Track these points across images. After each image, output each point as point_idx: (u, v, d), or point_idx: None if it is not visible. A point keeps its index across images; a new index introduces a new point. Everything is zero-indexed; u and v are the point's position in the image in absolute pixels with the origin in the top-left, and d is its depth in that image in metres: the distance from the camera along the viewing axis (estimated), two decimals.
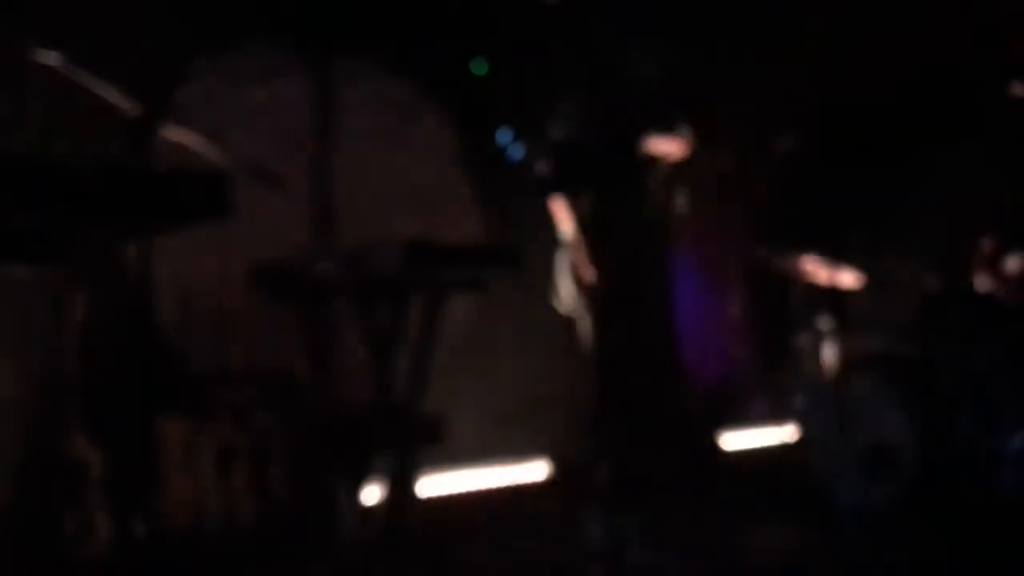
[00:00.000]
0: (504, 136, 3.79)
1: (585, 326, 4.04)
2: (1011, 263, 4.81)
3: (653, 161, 3.76)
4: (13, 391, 4.11)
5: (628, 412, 4.11)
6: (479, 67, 3.07)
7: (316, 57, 5.36)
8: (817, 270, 5.41)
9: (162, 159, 2.59)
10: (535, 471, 5.14)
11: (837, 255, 4.93)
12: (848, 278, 5.16)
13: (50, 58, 2.61)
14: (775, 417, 5.06)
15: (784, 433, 5.03)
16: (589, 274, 3.88)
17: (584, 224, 3.74)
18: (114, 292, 4.60)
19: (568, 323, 4.09)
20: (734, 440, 5.85)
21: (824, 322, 5.43)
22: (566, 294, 4.15)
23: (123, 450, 4.09)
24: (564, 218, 3.91)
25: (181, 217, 2.34)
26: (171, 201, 2.27)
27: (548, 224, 4.51)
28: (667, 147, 3.72)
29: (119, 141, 2.64)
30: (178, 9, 4.87)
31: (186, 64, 4.93)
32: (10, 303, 3.78)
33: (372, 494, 3.35)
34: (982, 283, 4.97)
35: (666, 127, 3.83)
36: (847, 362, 5.05)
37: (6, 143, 3.95)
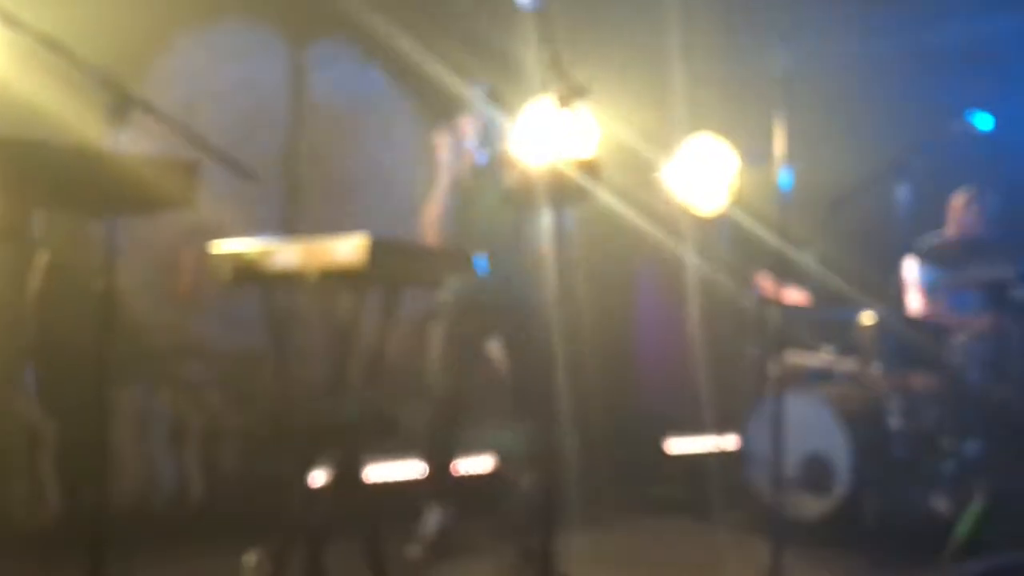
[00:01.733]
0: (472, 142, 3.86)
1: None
2: None
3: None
4: None
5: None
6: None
7: (293, 38, 5.40)
8: (767, 285, 5.55)
9: (135, 144, 2.63)
10: (481, 464, 5.22)
11: (788, 273, 5.06)
12: (797, 295, 5.30)
13: (33, 34, 2.61)
14: (719, 426, 5.19)
15: (726, 442, 5.16)
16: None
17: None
18: (74, 262, 4.63)
19: None
20: (678, 445, 5.99)
21: (771, 336, 5.57)
22: None
23: (75, 420, 4.13)
24: None
25: (149, 203, 2.39)
26: (140, 187, 2.32)
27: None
28: None
29: (94, 123, 2.67)
30: None
31: (166, 37, 4.95)
32: None
33: (319, 477, 3.42)
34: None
35: None
36: (790, 376, 5.18)
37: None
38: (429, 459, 4.23)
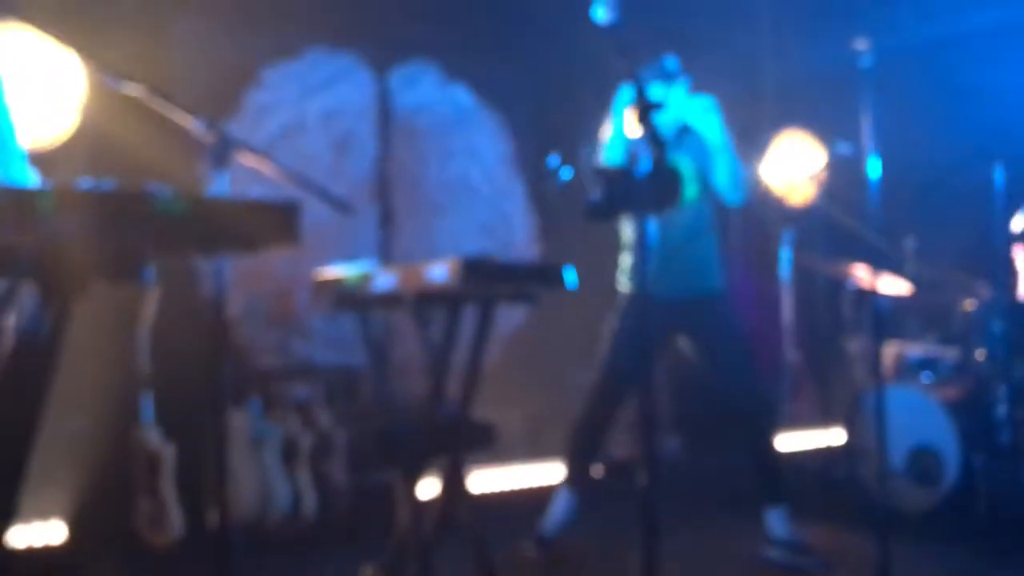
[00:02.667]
0: (553, 159, 3.89)
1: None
2: None
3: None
4: (91, 386, 4.36)
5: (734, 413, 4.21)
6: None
7: (377, 63, 5.54)
8: (866, 276, 5.46)
9: (237, 182, 2.76)
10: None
11: (885, 262, 4.97)
12: (896, 285, 5.20)
13: (134, 88, 2.76)
14: (824, 420, 5.13)
15: (832, 437, 5.10)
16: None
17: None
18: (185, 296, 4.85)
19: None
20: (783, 442, 5.93)
21: (872, 328, 5.48)
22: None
23: (194, 443, 4.33)
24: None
25: (255, 242, 2.50)
26: (247, 228, 2.43)
27: (598, 228, 4.64)
28: None
29: (197, 167, 2.82)
30: (246, 18, 5.08)
31: (253, 72, 5.14)
32: (88, 305, 3.99)
33: (427, 490, 3.51)
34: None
35: None
36: (894, 367, 5.10)
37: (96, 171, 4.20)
38: (570, 453, 4.23)
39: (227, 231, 2.38)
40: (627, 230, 4.11)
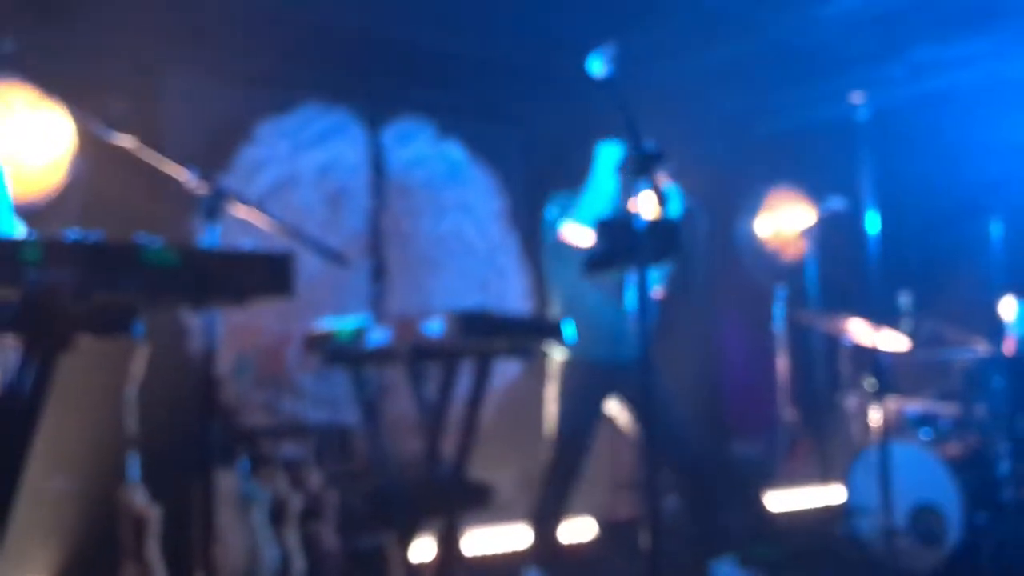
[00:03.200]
0: (551, 211, 3.87)
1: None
2: None
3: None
4: (77, 444, 4.26)
5: (678, 473, 4.14)
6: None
7: (370, 119, 5.54)
8: (863, 331, 5.42)
9: (229, 235, 2.71)
10: (581, 530, 5.17)
11: (883, 317, 4.93)
12: (894, 340, 5.16)
13: (126, 140, 2.74)
14: (822, 478, 5.05)
15: (831, 494, 5.02)
16: None
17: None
18: (174, 352, 4.77)
19: None
20: (780, 500, 5.84)
21: (870, 383, 5.43)
22: None
23: (181, 503, 4.22)
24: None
25: (247, 294, 2.44)
26: (238, 280, 2.38)
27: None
28: None
29: (189, 218, 2.78)
30: (239, 74, 5.08)
31: (247, 127, 5.12)
32: (74, 360, 3.92)
33: (421, 552, 3.42)
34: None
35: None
36: (893, 424, 5.04)
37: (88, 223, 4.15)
38: (535, 522, 4.08)
39: (218, 283, 2.33)
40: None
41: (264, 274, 2.41)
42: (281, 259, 2.41)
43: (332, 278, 5.22)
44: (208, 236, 2.72)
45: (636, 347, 3.85)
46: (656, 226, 2.73)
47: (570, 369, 3.94)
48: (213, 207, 2.72)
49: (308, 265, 5.01)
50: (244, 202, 2.80)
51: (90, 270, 2.16)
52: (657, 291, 3.86)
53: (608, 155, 3.93)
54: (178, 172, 2.78)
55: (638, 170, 2.68)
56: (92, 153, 4.34)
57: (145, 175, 4.28)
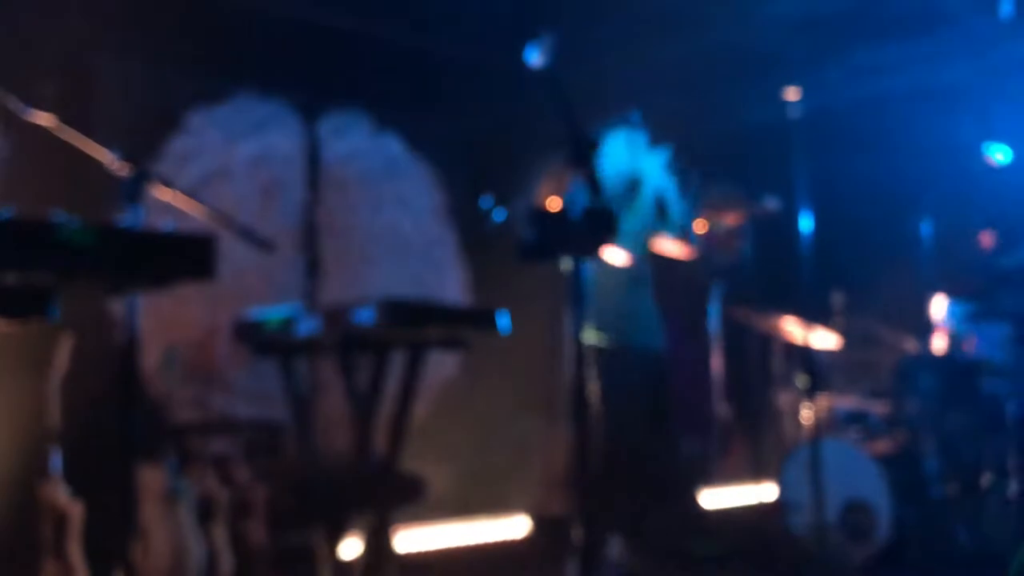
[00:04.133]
0: (487, 200, 3.85)
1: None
2: None
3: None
4: None
5: (613, 470, 4.14)
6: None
7: (306, 110, 5.46)
8: (796, 329, 5.48)
9: (151, 218, 2.63)
10: (514, 527, 5.14)
11: (815, 315, 4.99)
12: (826, 338, 5.22)
13: (45, 119, 2.66)
14: (755, 475, 5.09)
15: (764, 492, 5.06)
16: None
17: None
18: (97, 343, 4.64)
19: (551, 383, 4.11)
20: (714, 497, 5.88)
21: (802, 381, 5.49)
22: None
23: (103, 500, 4.10)
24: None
25: (168, 277, 2.38)
26: (159, 261, 2.33)
27: (530, 279, 4.59)
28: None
29: (111, 200, 2.69)
30: (172, 62, 4.97)
31: (178, 117, 5.01)
32: None
33: (350, 549, 3.36)
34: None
35: None
36: (825, 421, 5.10)
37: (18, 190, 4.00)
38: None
39: (137, 264, 2.26)
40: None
41: (186, 256, 2.35)
42: (203, 241, 2.35)
43: (265, 272, 5.13)
44: (129, 219, 2.63)
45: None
46: (592, 215, 2.71)
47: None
48: (135, 189, 2.63)
49: (240, 259, 4.92)
50: (168, 185, 2.72)
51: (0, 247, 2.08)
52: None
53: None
54: (100, 153, 2.70)
55: (575, 159, 2.67)
56: (11, 133, 4.22)
57: (66, 156, 4.21)
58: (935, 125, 5.93)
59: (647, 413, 4.08)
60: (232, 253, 2.59)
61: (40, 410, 4.03)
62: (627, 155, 4.10)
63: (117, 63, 4.81)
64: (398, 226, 5.67)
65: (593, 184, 2.65)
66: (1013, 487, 4.57)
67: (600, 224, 2.76)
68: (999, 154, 4.41)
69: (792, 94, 3.34)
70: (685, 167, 4.34)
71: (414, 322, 2.89)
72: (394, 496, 3.24)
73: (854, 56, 5.92)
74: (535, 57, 2.86)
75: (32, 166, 4.25)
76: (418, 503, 3.25)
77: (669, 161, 4.17)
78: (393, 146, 5.75)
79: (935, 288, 4.87)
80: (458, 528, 4.96)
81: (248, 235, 2.83)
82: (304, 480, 3.23)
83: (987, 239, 5.26)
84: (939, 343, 5.14)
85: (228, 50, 5.04)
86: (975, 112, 5.92)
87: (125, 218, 2.63)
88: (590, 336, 3.74)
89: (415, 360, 3.21)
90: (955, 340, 5.10)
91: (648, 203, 4.11)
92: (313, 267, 5.41)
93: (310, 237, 5.44)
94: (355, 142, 5.62)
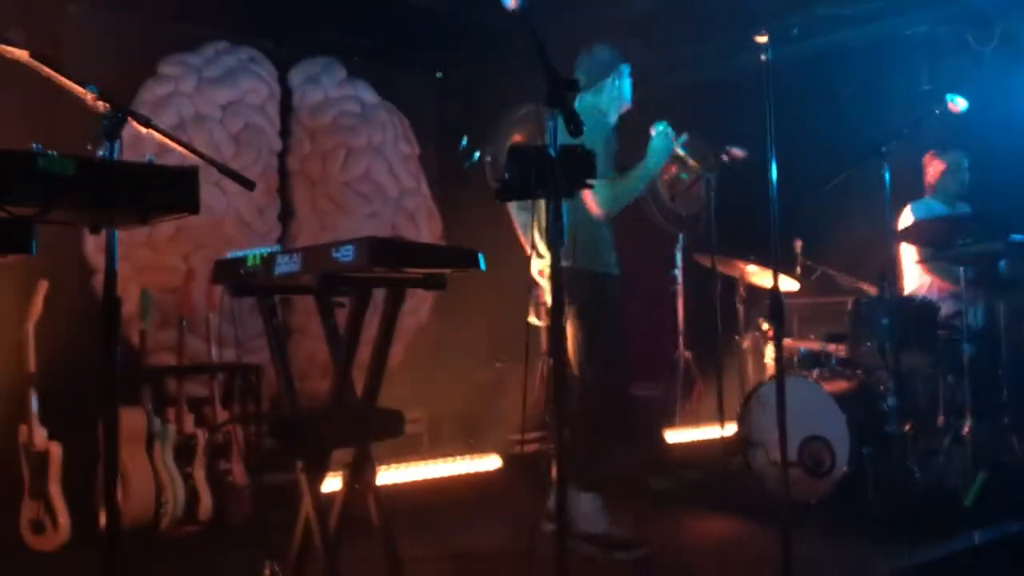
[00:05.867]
0: (463, 142, 3.90)
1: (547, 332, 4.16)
2: None
3: None
4: None
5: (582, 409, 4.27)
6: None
7: (280, 58, 5.47)
8: (758, 275, 5.62)
9: (130, 153, 2.65)
10: (487, 463, 5.25)
11: (777, 261, 5.12)
12: (787, 283, 5.35)
13: (19, 54, 2.63)
14: (718, 418, 5.24)
15: (726, 431, 5.21)
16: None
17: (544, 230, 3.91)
18: (73, 287, 4.67)
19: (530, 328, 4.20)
20: (676, 438, 6.03)
21: (764, 324, 5.64)
22: (534, 301, 4.25)
23: (83, 442, 4.16)
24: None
25: (151, 210, 2.39)
26: (141, 194, 2.33)
27: (501, 228, 4.67)
28: None
29: (86, 139, 2.69)
30: (145, 8, 4.95)
31: (152, 63, 5.00)
32: None
33: (331, 485, 3.43)
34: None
35: None
36: (787, 361, 5.24)
37: None
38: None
39: (118, 195, 2.27)
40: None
41: (168, 188, 2.36)
42: (185, 173, 2.36)
43: (238, 219, 5.17)
44: (107, 155, 2.63)
45: None
46: (570, 153, 2.77)
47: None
48: (113, 127, 2.60)
49: (213, 206, 4.96)
50: (146, 124, 2.72)
51: None
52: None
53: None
54: (75, 88, 2.68)
55: (552, 98, 2.71)
56: None
57: (38, 95, 4.20)
58: (887, 77, 6.07)
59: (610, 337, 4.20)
60: (205, 200, 2.62)
61: (17, 353, 4.08)
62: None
63: (90, 10, 4.80)
64: (371, 175, 5.71)
65: (572, 122, 2.69)
66: (966, 425, 4.74)
67: (578, 163, 2.82)
68: (960, 102, 4.52)
69: (761, 37, 3.40)
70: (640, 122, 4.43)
71: (394, 261, 2.92)
72: (374, 428, 3.30)
73: (817, 9, 6.01)
74: None
75: (5, 104, 4.25)
76: (397, 436, 3.32)
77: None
78: (366, 94, 5.76)
79: (893, 235, 5.00)
80: (430, 468, 5.06)
81: (229, 172, 2.85)
82: (284, 418, 3.29)
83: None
84: (910, 281, 5.28)
85: None
86: (932, 62, 6.07)
87: (103, 155, 2.63)
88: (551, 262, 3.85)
89: (394, 297, 3.26)
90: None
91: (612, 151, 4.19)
92: (286, 214, 5.46)
93: (283, 185, 5.48)
94: (328, 90, 5.63)
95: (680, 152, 4.44)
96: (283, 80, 5.50)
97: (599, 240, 4.14)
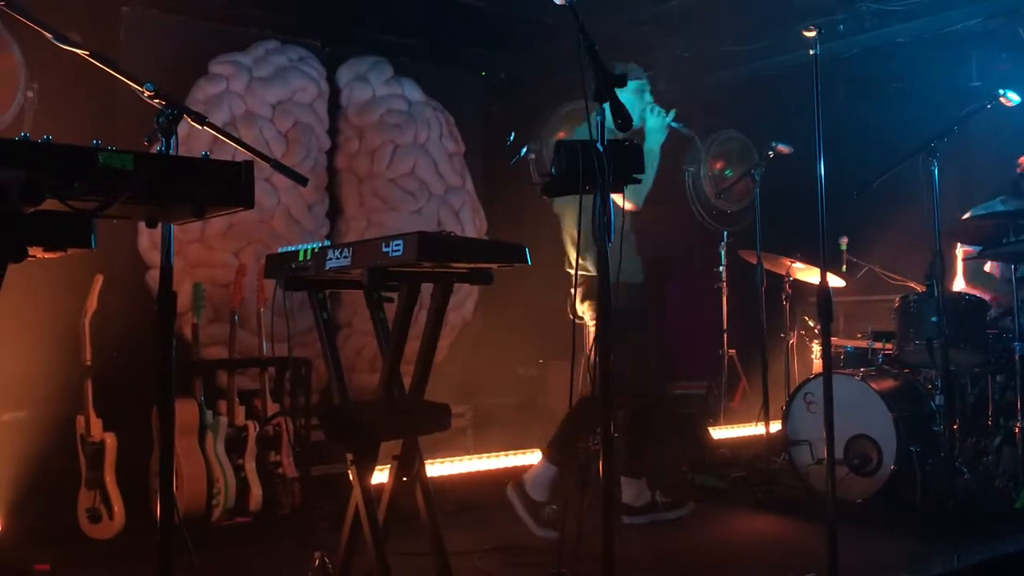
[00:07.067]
0: (511, 138, 3.94)
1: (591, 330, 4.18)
2: None
3: None
4: (32, 374, 4.25)
5: (624, 409, 4.30)
6: None
7: (328, 57, 5.53)
8: (805, 272, 5.60)
9: (186, 149, 2.70)
10: (530, 458, 5.27)
11: (824, 258, 5.08)
12: (833, 280, 5.32)
13: (82, 53, 2.69)
14: (763, 416, 5.21)
15: (771, 427, 5.18)
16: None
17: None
18: (134, 282, 4.77)
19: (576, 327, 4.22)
20: (720, 435, 6.02)
21: (810, 321, 5.61)
22: (579, 300, 4.27)
23: (136, 433, 4.25)
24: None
25: (207, 204, 2.43)
26: (198, 188, 2.37)
27: (545, 226, 4.69)
28: None
29: (142, 135, 2.75)
30: (199, 10, 5.05)
31: (202, 63, 5.09)
32: (33, 287, 3.92)
33: (381, 477, 3.47)
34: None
35: None
36: (833, 359, 5.20)
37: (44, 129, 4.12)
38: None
39: (175, 189, 2.31)
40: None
41: (223, 183, 2.39)
42: (241, 168, 2.39)
43: (288, 216, 5.24)
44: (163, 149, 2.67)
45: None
46: (618, 148, 2.78)
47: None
48: (169, 123, 2.65)
49: (263, 203, 5.03)
50: (200, 120, 2.76)
51: (41, 170, 2.08)
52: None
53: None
54: (134, 87, 2.72)
55: (601, 92, 2.72)
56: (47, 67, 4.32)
57: (95, 93, 4.30)
58: (943, 70, 6.00)
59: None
60: (257, 196, 2.65)
61: (75, 345, 4.18)
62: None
63: (142, 12, 4.90)
64: (417, 172, 5.75)
65: (620, 117, 2.70)
66: (1017, 425, 4.67)
67: (626, 157, 2.83)
68: (1012, 96, 4.45)
69: (810, 31, 3.38)
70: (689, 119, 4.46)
71: (443, 255, 2.95)
72: (422, 421, 3.33)
73: (865, 5, 5.96)
74: None
75: (63, 103, 4.36)
76: (444, 430, 3.35)
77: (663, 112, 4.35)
78: (413, 93, 5.81)
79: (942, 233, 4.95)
80: (476, 462, 5.10)
81: (283, 168, 2.90)
82: (335, 410, 3.33)
83: None
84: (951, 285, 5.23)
85: None
86: (982, 57, 5.99)
87: (159, 150, 2.68)
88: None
89: (443, 293, 3.29)
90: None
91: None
92: (334, 211, 5.52)
93: (331, 182, 5.55)
94: (375, 88, 5.69)
95: (674, 126, 4.48)
96: (331, 79, 5.56)
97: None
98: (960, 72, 6.18)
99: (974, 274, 5.45)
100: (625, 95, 4.20)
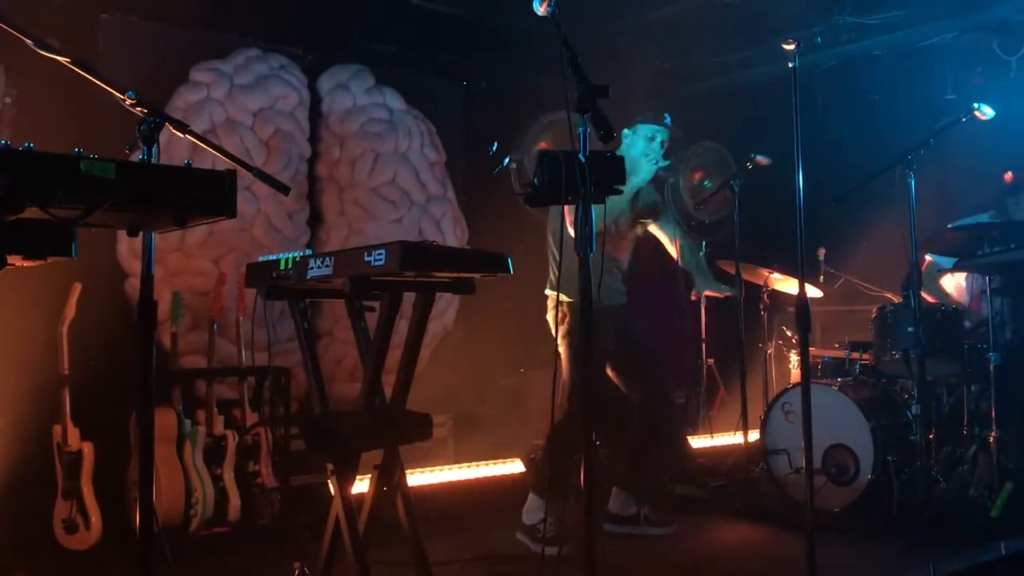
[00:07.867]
0: (494, 147, 3.94)
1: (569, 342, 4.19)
2: None
3: None
4: (9, 383, 4.21)
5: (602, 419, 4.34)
6: None
7: (309, 65, 5.52)
8: (781, 281, 5.63)
9: (166, 156, 2.67)
10: (511, 468, 5.28)
11: (801, 269, 5.12)
12: (810, 290, 5.36)
13: (63, 60, 2.67)
14: (741, 426, 5.24)
15: (749, 440, 5.21)
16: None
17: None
18: (113, 291, 4.73)
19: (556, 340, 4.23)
20: (701, 442, 6.04)
21: (788, 331, 5.65)
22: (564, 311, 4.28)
23: (113, 442, 4.22)
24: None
25: (189, 213, 2.41)
26: (180, 197, 2.35)
27: (526, 235, 4.70)
28: None
29: (123, 143, 2.72)
30: (180, 17, 5.02)
31: (184, 70, 5.07)
32: (9, 295, 3.89)
33: (361, 487, 3.46)
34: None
35: None
36: (811, 369, 5.24)
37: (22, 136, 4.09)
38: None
39: (156, 198, 2.29)
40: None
41: (206, 192, 2.38)
42: (223, 176, 2.38)
43: (268, 225, 5.22)
44: (144, 157, 2.65)
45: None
46: (600, 160, 2.79)
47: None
48: (150, 131, 2.64)
49: (243, 212, 5.01)
50: (181, 128, 2.75)
51: (22, 178, 2.06)
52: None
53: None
54: (116, 94, 2.71)
55: (583, 103, 2.73)
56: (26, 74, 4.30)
57: (74, 101, 4.27)
58: (918, 84, 6.06)
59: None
60: (237, 205, 2.65)
61: (53, 354, 4.14)
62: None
63: (122, 19, 4.87)
64: (398, 180, 5.74)
65: (602, 128, 2.72)
66: (992, 434, 4.72)
67: (609, 168, 2.84)
68: (986, 110, 4.51)
69: (788, 44, 3.41)
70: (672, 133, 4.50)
71: (425, 265, 2.95)
72: (405, 432, 3.32)
73: (842, 19, 6.02)
74: (540, 3, 2.89)
75: (41, 110, 4.33)
76: (426, 439, 3.34)
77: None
78: (394, 102, 5.81)
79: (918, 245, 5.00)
80: (457, 471, 5.09)
81: (265, 176, 2.88)
82: (316, 420, 3.31)
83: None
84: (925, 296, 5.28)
85: (232, 5, 5.12)
86: (957, 71, 6.06)
87: (141, 158, 2.67)
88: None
89: (425, 303, 3.29)
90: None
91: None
92: (315, 220, 5.51)
93: (312, 190, 5.53)
94: (356, 97, 5.68)
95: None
96: (312, 87, 5.55)
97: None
98: (936, 85, 6.26)
99: (927, 285, 5.52)
100: (638, 140, 4.29)
